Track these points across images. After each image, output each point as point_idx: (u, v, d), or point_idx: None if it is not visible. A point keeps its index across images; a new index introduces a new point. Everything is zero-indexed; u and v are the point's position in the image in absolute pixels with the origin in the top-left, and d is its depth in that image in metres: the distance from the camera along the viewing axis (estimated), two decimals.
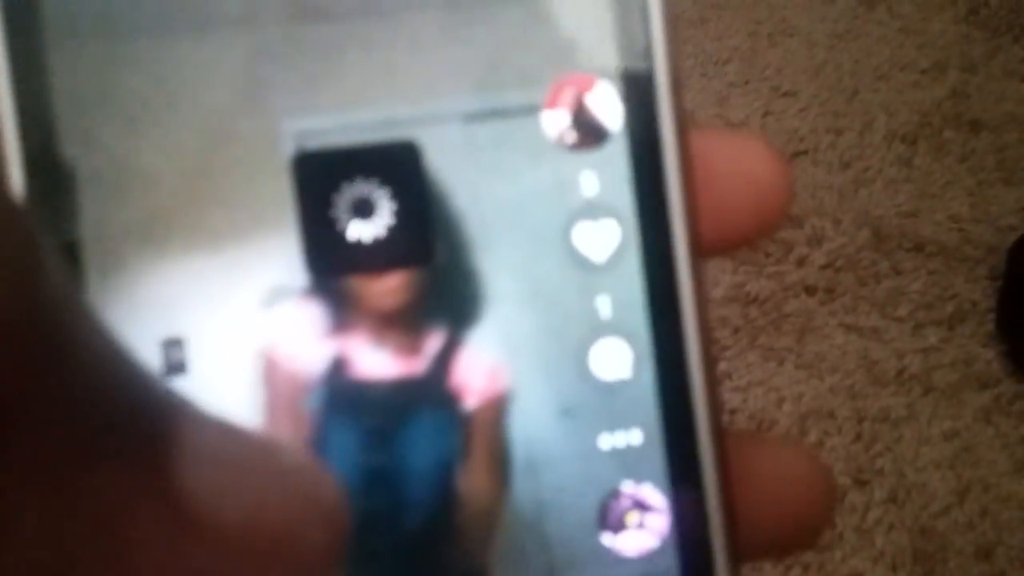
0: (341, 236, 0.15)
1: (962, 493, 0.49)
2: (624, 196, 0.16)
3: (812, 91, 0.69)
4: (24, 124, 0.15)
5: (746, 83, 0.69)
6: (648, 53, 0.16)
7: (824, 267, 0.58)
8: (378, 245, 0.16)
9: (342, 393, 0.15)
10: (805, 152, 0.65)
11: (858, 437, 0.51)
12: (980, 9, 0.77)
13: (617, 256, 0.16)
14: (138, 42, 0.15)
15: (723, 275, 0.57)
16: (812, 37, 0.72)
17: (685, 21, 0.74)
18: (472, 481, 0.16)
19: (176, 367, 0.15)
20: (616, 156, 0.16)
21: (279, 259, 0.15)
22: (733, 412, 0.51)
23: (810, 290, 0.57)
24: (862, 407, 0.52)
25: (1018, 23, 0.76)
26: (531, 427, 0.16)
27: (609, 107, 0.16)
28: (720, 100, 0.68)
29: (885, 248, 0.59)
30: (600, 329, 0.16)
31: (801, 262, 0.58)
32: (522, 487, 0.15)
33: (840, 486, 0.49)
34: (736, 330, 0.55)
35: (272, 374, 0.15)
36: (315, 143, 0.15)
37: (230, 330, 0.15)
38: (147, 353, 0.15)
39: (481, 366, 0.15)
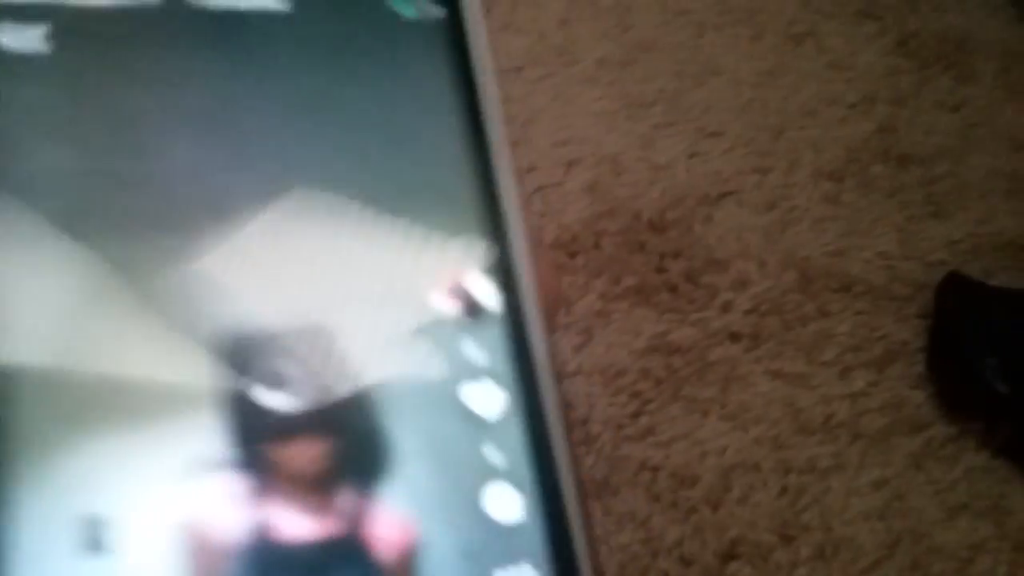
0: (264, 410, 0.16)
1: (892, 546, 0.47)
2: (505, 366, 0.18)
3: (738, 131, 0.68)
4: None
5: (672, 124, 0.68)
6: (514, 281, 0.19)
7: (749, 312, 0.56)
8: (299, 419, 0.17)
9: (265, 559, 0.16)
10: (731, 193, 0.63)
11: (784, 490, 0.49)
12: (909, 40, 0.76)
13: (503, 415, 0.18)
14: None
15: (646, 324, 0.55)
16: (738, 76, 0.72)
17: (612, 63, 0.73)
18: None
19: (98, 546, 0.15)
20: (496, 333, 0.18)
21: (201, 432, 0.16)
22: (655, 469, 0.49)
23: (735, 337, 0.55)
24: (788, 458, 0.50)
25: (946, 53, 0.75)
26: (437, 570, 0.17)
27: (486, 296, 0.19)
28: (645, 143, 0.67)
29: (812, 290, 0.58)
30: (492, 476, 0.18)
31: (726, 308, 0.56)
32: None
33: (765, 544, 0.47)
34: (659, 382, 0.53)
35: (196, 546, 0.16)
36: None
37: (152, 506, 0.15)
38: (67, 532, 0.15)
39: (392, 520, 0.17)
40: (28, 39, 0.17)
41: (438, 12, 0.19)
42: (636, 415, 0.52)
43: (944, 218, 0.63)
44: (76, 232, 0.16)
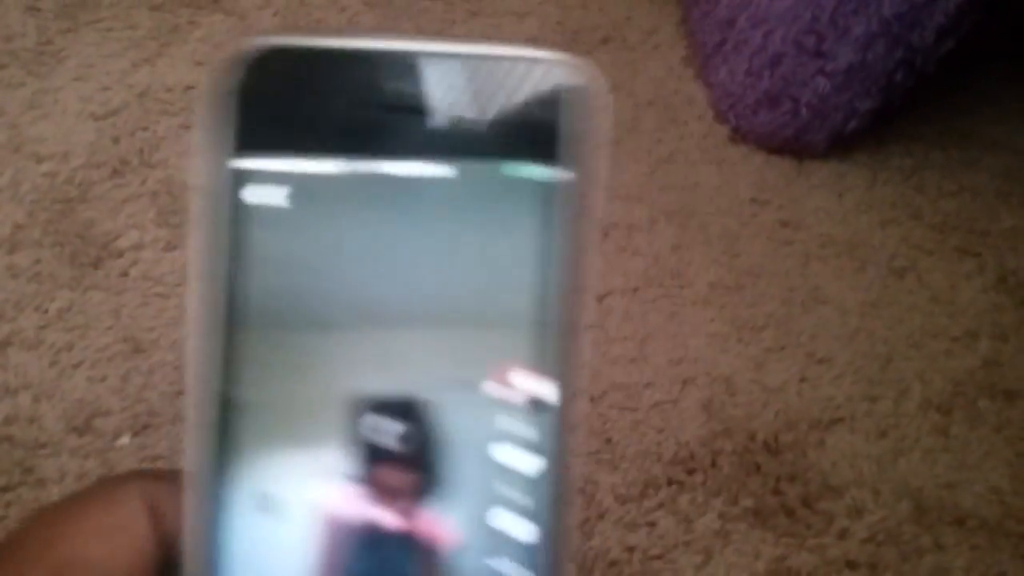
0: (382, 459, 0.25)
1: None
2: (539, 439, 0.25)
3: (847, 358, 0.71)
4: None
5: (782, 349, 0.72)
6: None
7: (866, 541, 0.58)
8: (398, 460, 0.25)
9: (364, 541, 0.25)
10: (842, 419, 0.66)
11: None
12: (1008, 278, 0.80)
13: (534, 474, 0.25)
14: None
15: (764, 547, 0.57)
16: (844, 305, 0.76)
17: (723, 287, 0.78)
18: None
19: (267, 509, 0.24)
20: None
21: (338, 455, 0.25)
22: None
23: (852, 565, 0.57)
24: None
25: None
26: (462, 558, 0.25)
27: (535, 387, 0.25)
28: (757, 365, 0.71)
29: (926, 521, 0.59)
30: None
31: (842, 535, 0.58)
32: None
33: None
34: None
35: (326, 528, 0.25)
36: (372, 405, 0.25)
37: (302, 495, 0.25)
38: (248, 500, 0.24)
39: (438, 524, 0.25)
40: (270, 196, 0.24)
41: (566, 175, 0.24)
42: None
43: None
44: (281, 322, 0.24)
